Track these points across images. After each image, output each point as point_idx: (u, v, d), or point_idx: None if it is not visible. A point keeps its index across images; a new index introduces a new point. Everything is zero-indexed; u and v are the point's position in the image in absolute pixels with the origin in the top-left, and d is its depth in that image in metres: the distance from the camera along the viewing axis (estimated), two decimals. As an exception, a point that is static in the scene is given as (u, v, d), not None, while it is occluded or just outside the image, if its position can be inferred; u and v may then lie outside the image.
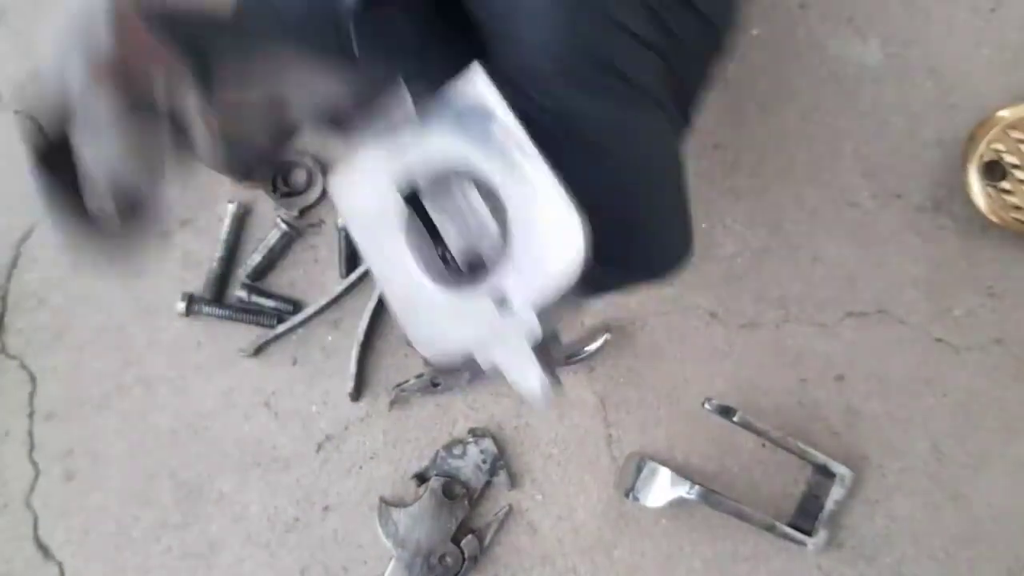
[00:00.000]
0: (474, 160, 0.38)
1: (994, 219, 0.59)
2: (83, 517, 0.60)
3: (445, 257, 0.39)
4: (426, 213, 0.39)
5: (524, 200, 0.37)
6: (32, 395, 0.61)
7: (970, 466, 0.59)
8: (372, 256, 0.40)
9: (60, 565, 0.60)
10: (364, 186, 0.40)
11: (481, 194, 0.39)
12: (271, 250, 0.60)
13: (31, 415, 0.61)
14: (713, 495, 0.56)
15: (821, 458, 0.58)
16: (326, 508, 0.59)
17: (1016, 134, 0.59)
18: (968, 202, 0.59)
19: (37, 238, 0.62)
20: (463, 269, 0.39)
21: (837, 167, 0.62)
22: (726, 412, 0.57)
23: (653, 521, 0.59)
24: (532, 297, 0.37)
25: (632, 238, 0.43)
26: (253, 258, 0.60)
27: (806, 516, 0.58)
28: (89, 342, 0.61)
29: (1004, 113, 0.59)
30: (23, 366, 0.61)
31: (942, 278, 0.61)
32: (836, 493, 0.57)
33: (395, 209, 0.39)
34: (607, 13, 0.41)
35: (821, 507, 0.57)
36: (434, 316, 0.39)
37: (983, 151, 0.59)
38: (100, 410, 0.61)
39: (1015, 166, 0.58)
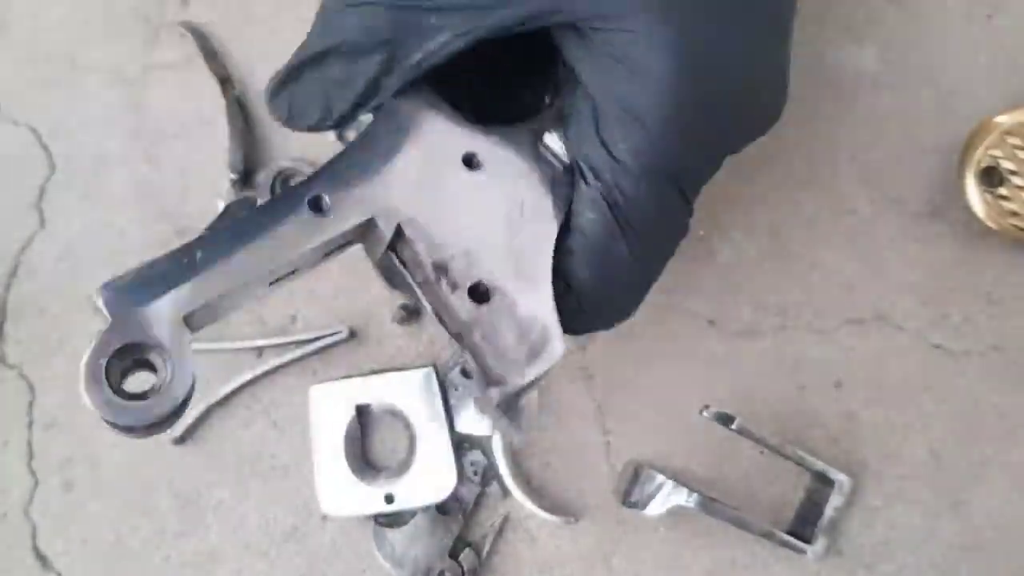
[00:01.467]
0: (410, 411, 0.59)
1: (992, 225, 0.59)
2: (82, 526, 0.60)
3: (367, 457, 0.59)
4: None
5: (429, 446, 0.58)
6: (31, 404, 0.61)
7: (970, 473, 0.59)
8: (316, 431, 0.59)
9: (59, 574, 0.60)
10: (333, 403, 0.59)
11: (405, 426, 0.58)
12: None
13: (30, 425, 0.61)
14: (712, 503, 0.56)
15: (820, 465, 0.58)
16: (324, 517, 0.59)
17: (1013, 140, 0.59)
18: (966, 208, 0.59)
19: (36, 248, 0.62)
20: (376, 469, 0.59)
21: (835, 174, 0.62)
22: (724, 419, 0.57)
23: (652, 529, 0.59)
24: (413, 502, 0.57)
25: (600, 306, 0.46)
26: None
27: (805, 523, 0.58)
28: (88, 351, 0.61)
29: (1001, 119, 0.59)
30: (22, 375, 0.61)
31: (940, 284, 0.61)
32: (835, 500, 0.57)
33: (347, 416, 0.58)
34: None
35: (820, 514, 0.57)
36: (340, 486, 0.58)
37: (980, 157, 0.59)
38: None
39: (1012, 172, 0.58)
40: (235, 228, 0.40)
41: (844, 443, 0.59)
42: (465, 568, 0.57)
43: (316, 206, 0.41)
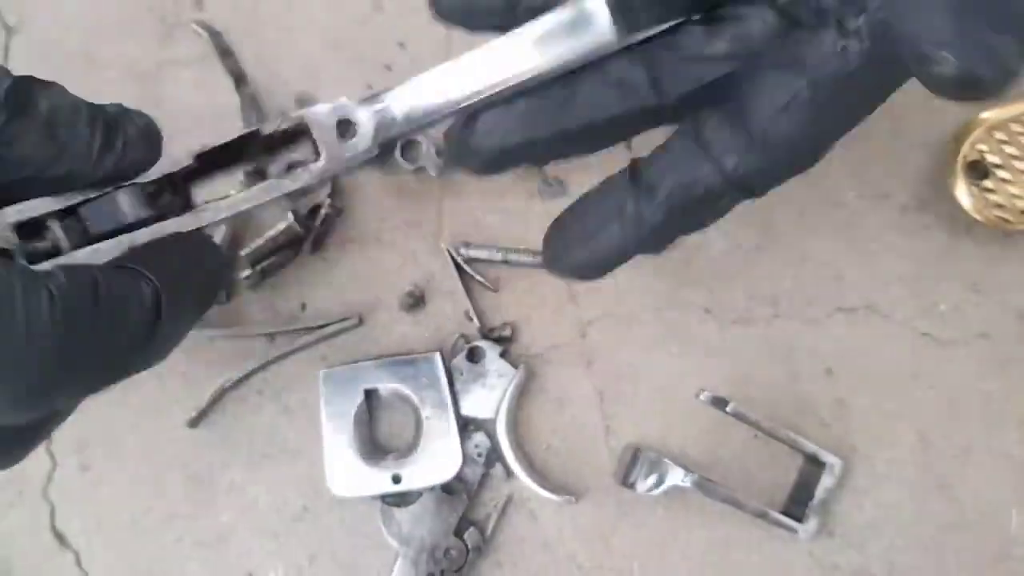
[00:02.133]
0: (416, 395, 0.60)
1: (978, 217, 0.61)
2: (98, 507, 0.62)
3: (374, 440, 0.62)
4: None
5: (435, 429, 0.60)
6: (49, 389, 0.63)
7: (956, 456, 0.61)
8: (328, 418, 0.61)
9: (76, 553, 0.62)
10: (342, 388, 0.61)
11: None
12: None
13: (48, 408, 0.63)
14: (707, 483, 0.58)
15: (811, 448, 0.60)
16: (333, 498, 0.61)
17: (998, 135, 0.61)
18: (952, 201, 0.61)
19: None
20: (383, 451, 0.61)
21: (825, 168, 0.63)
22: (719, 403, 0.59)
23: (649, 509, 0.61)
24: (419, 483, 0.59)
25: None
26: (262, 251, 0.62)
27: (797, 504, 0.60)
28: (104, 338, 0.63)
29: (986, 115, 0.61)
30: (41, 361, 0.63)
31: (928, 274, 0.63)
32: (826, 482, 0.59)
33: (355, 400, 0.61)
34: None
35: (812, 496, 0.59)
36: (349, 467, 0.60)
37: (967, 151, 0.61)
38: (115, 404, 0.63)
39: (997, 166, 0.61)
40: None
41: (835, 428, 0.62)
42: (470, 546, 0.59)
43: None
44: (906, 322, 0.62)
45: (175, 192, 0.45)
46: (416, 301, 0.62)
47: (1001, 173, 0.61)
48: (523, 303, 0.63)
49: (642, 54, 0.42)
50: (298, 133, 0.45)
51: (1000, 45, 0.33)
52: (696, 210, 0.43)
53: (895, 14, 0.36)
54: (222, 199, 0.44)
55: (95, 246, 0.42)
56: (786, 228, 0.63)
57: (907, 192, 0.64)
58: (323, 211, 0.63)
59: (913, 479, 0.61)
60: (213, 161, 0.45)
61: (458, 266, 0.62)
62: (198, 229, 0.44)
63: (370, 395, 0.61)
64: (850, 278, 0.63)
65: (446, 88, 0.43)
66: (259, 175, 0.46)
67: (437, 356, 0.60)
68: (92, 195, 0.42)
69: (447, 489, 0.60)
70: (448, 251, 0.62)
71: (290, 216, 0.61)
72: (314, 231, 0.63)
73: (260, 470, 0.62)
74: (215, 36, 0.65)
